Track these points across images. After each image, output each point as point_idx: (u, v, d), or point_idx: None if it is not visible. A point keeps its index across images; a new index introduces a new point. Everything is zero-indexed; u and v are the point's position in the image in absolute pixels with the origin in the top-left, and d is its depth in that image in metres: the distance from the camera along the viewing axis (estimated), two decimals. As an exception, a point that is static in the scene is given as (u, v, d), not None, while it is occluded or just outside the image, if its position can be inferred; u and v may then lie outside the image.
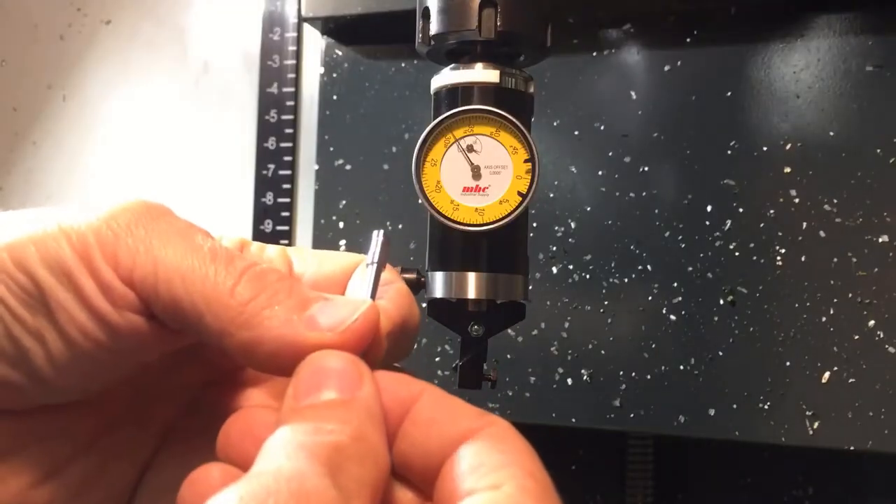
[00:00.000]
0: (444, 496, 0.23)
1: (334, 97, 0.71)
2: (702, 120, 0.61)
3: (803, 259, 0.58)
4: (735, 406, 0.58)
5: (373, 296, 0.29)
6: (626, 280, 0.62)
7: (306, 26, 0.78)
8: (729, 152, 0.60)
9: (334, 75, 0.72)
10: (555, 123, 0.64)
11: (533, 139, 0.38)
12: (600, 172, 0.63)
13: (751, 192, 0.59)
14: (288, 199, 0.78)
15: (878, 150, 0.57)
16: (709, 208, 0.60)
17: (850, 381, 0.56)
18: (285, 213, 0.78)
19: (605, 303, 0.62)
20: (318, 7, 0.68)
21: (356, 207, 0.69)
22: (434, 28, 0.40)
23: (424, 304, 0.38)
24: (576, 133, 0.64)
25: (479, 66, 0.39)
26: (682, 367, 0.59)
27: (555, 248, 0.63)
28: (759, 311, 0.58)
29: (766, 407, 0.57)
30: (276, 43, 0.79)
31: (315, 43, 0.77)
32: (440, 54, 0.41)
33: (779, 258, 0.58)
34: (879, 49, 0.57)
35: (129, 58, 0.86)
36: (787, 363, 0.57)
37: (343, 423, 0.23)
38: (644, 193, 0.62)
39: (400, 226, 0.68)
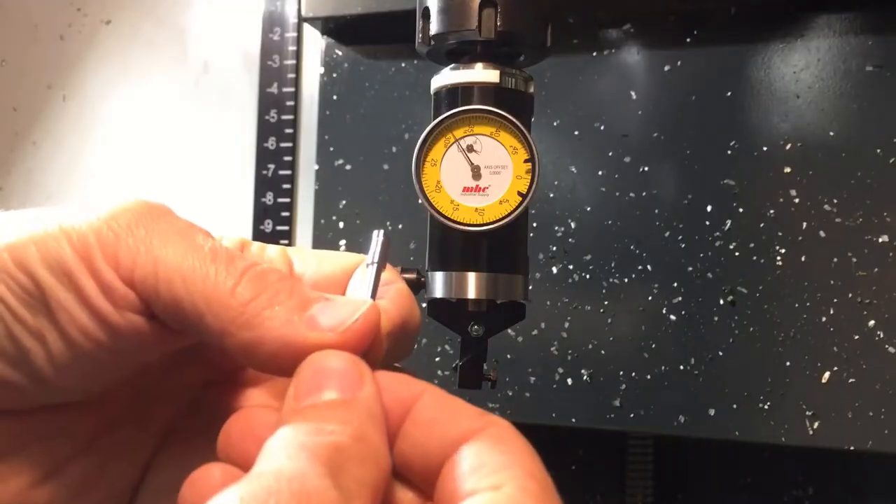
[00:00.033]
0: (444, 496, 0.23)
1: (334, 97, 0.71)
2: (702, 120, 0.61)
3: (803, 259, 0.58)
4: (735, 406, 0.58)
5: (373, 296, 0.29)
6: (626, 280, 0.62)
7: (306, 26, 0.78)
8: (729, 152, 0.60)
9: (334, 75, 0.72)
10: (555, 123, 0.64)
11: (533, 139, 0.38)
12: (600, 172, 0.63)
13: (751, 192, 0.59)
14: (288, 199, 0.78)
15: (878, 150, 0.57)
16: (709, 208, 0.60)
17: (850, 381, 0.56)
18: (285, 213, 0.78)
19: (605, 303, 0.62)
20: (318, 7, 0.68)
21: (356, 207, 0.69)
22: (434, 28, 0.40)
23: (424, 304, 0.38)
24: (576, 133, 0.64)
25: (479, 66, 0.39)
26: (682, 367, 0.59)
27: (555, 248, 0.63)
28: (759, 311, 0.58)
29: (766, 407, 0.57)
30: (276, 43, 0.79)
31: (315, 43, 0.77)
32: (440, 54, 0.41)
33: (779, 258, 0.58)
34: (879, 49, 0.57)
35: (129, 58, 0.86)
36: (787, 363, 0.57)
37: (344, 423, 0.23)
38: (644, 193, 0.62)
39: (400, 226, 0.68)
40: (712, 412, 0.58)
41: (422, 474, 0.24)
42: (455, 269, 0.39)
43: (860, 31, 0.58)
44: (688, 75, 0.61)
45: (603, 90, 0.63)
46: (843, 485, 0.68)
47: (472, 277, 0.39)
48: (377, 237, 0.31)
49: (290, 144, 0.78)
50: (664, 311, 0.60)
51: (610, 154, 0.63)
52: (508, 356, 0.63)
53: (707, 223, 0.60)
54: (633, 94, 0.63)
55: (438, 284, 0.39)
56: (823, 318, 0.57)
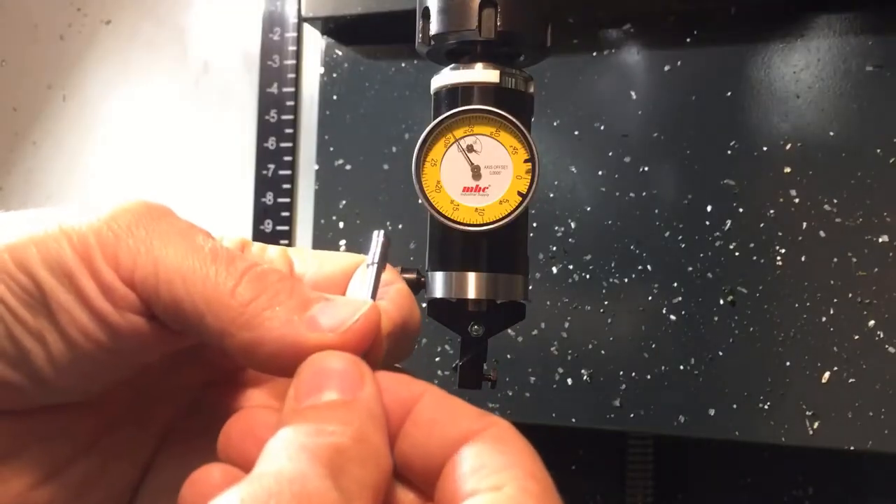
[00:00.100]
0: (445, 497, 0.23)
1: (334, 97, 0.71)
2: (702, 120, 0.61)
3: (803, 259, 0.58)
4: (735, 406, 0.58)
5: (373, 296, 0.29)
6: (626, 280, 0.62)
7: (306, 26, 0.78)
8: (729, 152, 0.60)
9: (334, 75, 0.72)
10: (555, 123, 0.64)
11: (533, 139, 0.38)
12: (600, 172, 0.63)
13: (751, 192, 0.59)
14: (288, 199, 0.78)
15: (878, 150, 0.57)
16: (709, 208, 0.60)
17: (850, 381, 0.56)
18: (285, 213, 0.78)
19: (605, 303, 0.62)
20: (318, 7, 0.68)
21: (356, 207, 0.69)
22: (434, 28, 0.40)
23: (424, 304, 0.38)
24: (576, 133, 0.64)
25: (479, 66, 0.39)
26: (682, 367, 0.59)
27: (555, 248, 0.63)
28: (759, 311, 0.58)
29: (766, 407, 0.57)
30: (276, 43, 0.79)
31: (315, 43, 0.77)
32: (440, 54, 0.41)
33: (779, 258, 0.58)
34: (879, 49, 0.57)
35: (129, 58, 0.86)
36: (787, 363, 0.57)
37: (344, 424, 0.23)
38: (644, 193, 0.62)
39: (400, 226, 0.68)
40: (712, 412, 0.58)
41: (422, 475, 0.24)
42: (455, 269, 0.39)
43: (860, 31, 0.58)
44: (688, 75, 0.61)
45: (603, 90, 0.63)
46: (843, 485, 0.68)
47: (472, 277, 0.39)
48: (377, 238, 0.31)
49: (290, 144, 0.78)
50: (664, 311, 0.60)
51: (610, 154, 0.63)
52: (508, 356, 0.63)
53: (707, 223, 0.60)
54: (633, 94, 0.63)
55: (438, 284, 0.39)
56: (823, 318, 0.57)
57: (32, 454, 0.28)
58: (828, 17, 0.59)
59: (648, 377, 0.60)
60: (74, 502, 0.29)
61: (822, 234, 0.57)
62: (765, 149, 0.59)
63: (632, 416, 0.60)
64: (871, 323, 0.56)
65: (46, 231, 0.26)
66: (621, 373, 0.61)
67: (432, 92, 0.41)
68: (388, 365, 0.28)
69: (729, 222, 0.59)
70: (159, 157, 0.84)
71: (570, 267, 0.63)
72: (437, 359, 0.65)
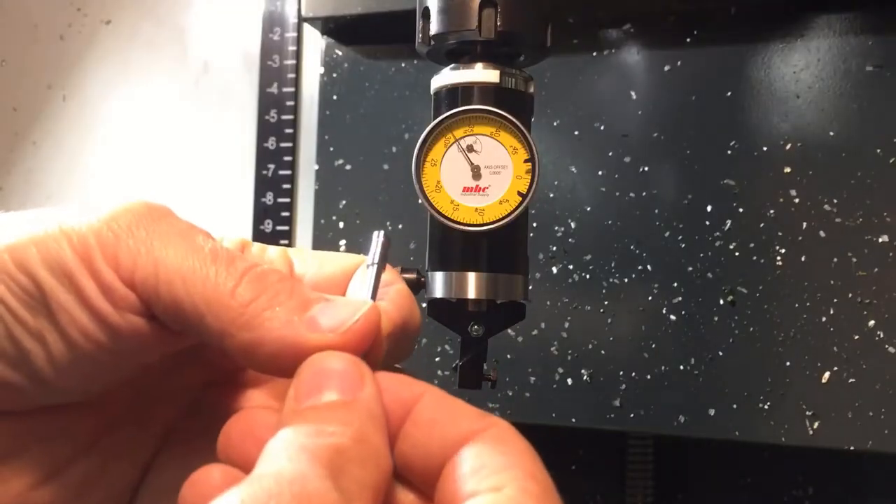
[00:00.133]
0: (445, 498, 0.23)
1: (334, 97, 0.71)
2: (702, 120, 0.61)
3: (803, 259, 0.58)
4: (735, 406, 0.58)
5: (373, 297, 0.29)
6: (626, 280, 0.62)
7: (306, 26, 0.78)
8: (729, 152, 0.60)
9: (334, 75, 0.72)
10: (555, 123, 0.64)
11: (533, 139, 0.38)
12: (600, 172, 0.63)
13: (751, 192, 0.59)
14: (288, 199, 0.78)
15: (878, 150, 0.57)
16: (709, 208, 0.60)
17: (850, 381, 0.56)
18: (285, 213, 0.78)
19: (605, 303, 0.62)
20: (318, 7, 0.68)
21: (356, 207, 0.69)
22: (434, 28, 0.40)
23: (424, 305, 0.38)
24: (576, 133, 0.64)
25: (479, 66, 0.39)
26: (682, 367, 0.59)
27: (555, 248, 0.63)
28: (759, 311, 0.58)
29: (766, 407, 0.57)
30: (276, 43, 0.79)
31: (315, 43, 0.77)
32: (440, 54, 0.41)
33: (779, 258, 0.58)
34: (879, 49, 0.57)
35: (129, 58, 0.86)
36: (787, 363, 0.57)
37: (344, 424, 0.23)
38: (644, 193, 0.62)
39: (400, 226, 0.68)
40: (712, 412, 0.58)
41: (422, 475, 0.24)
42: (455, 269, 0.39)
43: (860, 31, 0.58)
44: (688, 75, 0.61)
45: (603, 90, 0.63)
46: (843, 485, 0.68)
47: (472, 277, 0.39)
48: (377, 238, 0.31)
49: (290, 144, 0.78)
50: (664, 311, 0.60)
51: (610, 154, 0.63)
52: (508, 356, 0.63)
53: (707, 223, 0.60)
54: (633, 94, 0.63)
55: (438, 284, 0.39)
56: (823, 318, 0.57)
57: (32, 454, 0.28)
58: (828, 17, 0.59)
59: (648, 377, 0.60)
60: (74, 502, 0.29)
61: (822, 234, 0.57)
62: (765, 149, 0.59)
63: (632, 416, 0.60)
64: (871, 323, 0.56)
65: (46, 231, 0.26)
66: (621, 373, 0.61)
67: (432, 92, 0.41)
68: (388, 365, 0.28)
69: (729, 222, 0.59)
70: (159, 157, 0.84)
71: (570, 267, 0.63)
72: (437, 359, 0.65)
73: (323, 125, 0.72)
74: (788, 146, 0.59)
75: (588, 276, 0.62)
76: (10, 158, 0.90)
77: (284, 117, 0.79)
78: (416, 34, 0.41)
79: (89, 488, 0.29)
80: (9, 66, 0.91)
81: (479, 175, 0.39)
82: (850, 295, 0.56)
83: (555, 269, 0.63)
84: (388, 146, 0.69)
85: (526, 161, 0.38)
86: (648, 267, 0.61)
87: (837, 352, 0.56)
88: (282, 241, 0.78)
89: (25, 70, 0.90)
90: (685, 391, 0.59)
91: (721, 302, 0.59)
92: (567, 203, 0.63)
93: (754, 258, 0.59)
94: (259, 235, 0.78)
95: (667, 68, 0.62)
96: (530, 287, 0.42)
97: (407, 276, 0.38)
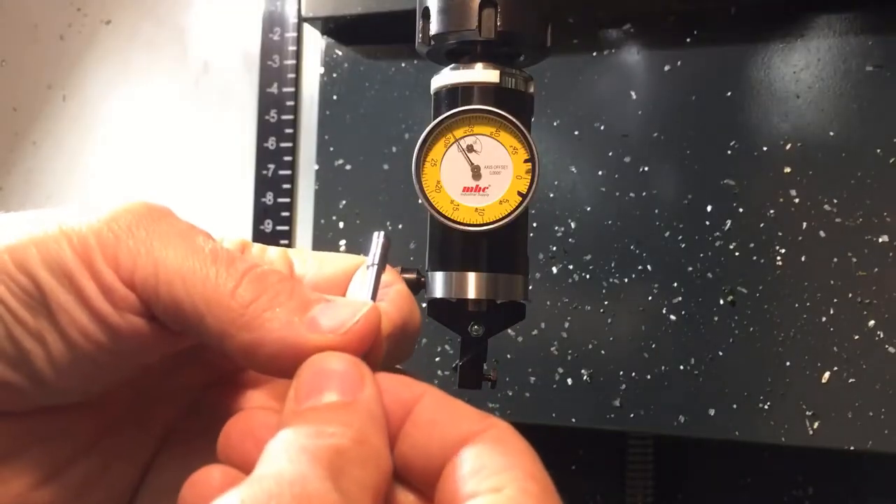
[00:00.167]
0: (445, 499, 0.23)
1: (334, 97, 0.71)
2: (702, 120, 0.61)
3: (803, 259, 0.58)
4: (735, 406, 0.58)
5: (373, 297, 0.29)
6: (626, 280, 0.62)
7: (306, 26, 0.78)
8: (729, 152, 0.60)
9: (334, 75, 0.72)
10: (555, 123, 0.64)
11: (533, 139, 0.38)
12: (600, 172, 0.63)
13: (751, 192, 0.59)
14: (288, 199, 0.78)
15: (878, 150, 0.57)
16: (709, 208, 0.60)
17: (850, 381, 0.56)
18: (285, 213, 0.78)
19: (605, 303, 0.62)
20: (318, 7, 0.68)
21: (356, 207, 0.69)
22: (434, 28, 0.40)
23: (424, 305, 0.38)
24: (576, 133, 0.64)
25: (479, 66, 0.39)
26: (682, 367, 0.59)
27: (555, 248, 0.63)
28: (759, 311, 0.58)
29: (766, 407, 0.57)
30: (276, 43, 0.79)
31: (315, 43, 0.77)
32: (440, 54, 0.41)
33: (779, 258, 0.58)
34: (879, 49, 0.57)
35: (129, 58, 0.86)
36: (787, 363, 0.57)
37: (345, 425, 0.23)
38: (644, 193, 0.62)
39: (400, 226, 0.68)
40: (712, 412, 0.58)
41: (422, 476, 0.24)
42: (455, 269, 0.39)
43: (860, 31, 0.58)
44: (688, 75, 0.61)
45: (603, 90, 0.63)
46: (843, 485, 0.68)
47: (472, 277, 0.39)
48: (377, 239, 0.31)
49: (290, 144, 0.78)
50: (664, 311, 0.60)
51: (610, 154, 0.63)
52: (508, 356, 0.63)
53: (707, 223, 0.60)
54: (633, 94, 0.63)
55: (438, 284, 0.39)
56: (823, 318, 0.57)
57: (33, 455, 0.28)
58: (828, 17, 0.59)
59: (648, 377, 0.60)
60: (75, 503, 0.29)
61: (822, 234, 0.57)
62: (765, 149, 0.59)
63: (632, 416, 0.60)
64: (871, 323, 0.56)
65: (46, 232, 0.26)
66: (621, 373, 0.61)
67: (432, 92, 0.41)
68: (388, 366, 0.28)
69: (729, 222, 0.59)
70: (159, 157, 0.84)
71: (570, 267, 0.63)
72: (437, 359, 0.65)
73: (323, 125, 0.72)
74: (788, 146, 0.59)
75: (588, 276, 0.62)
76: (10, 158, 0.90)
77: (284, 117, 0.79)
78: (416, 34, 0.41)
79: (89, 489, 0.29)
80: (9, 66, 0.91)
81: (479, 175, 0.39)
82: (850, 295, 0.56)
83: (555, 269, 0.63)
84: (388, 146, 0.69)
85: (526, 161, 0.38)
86: (648, 267, 0.61)
87: (837, 352, 0.56)
88: (282, 242, 0.78)
89: (25, 70, 0.90)
90: (685, 391, 0.59)
91: (721, 302, 0.59)
92: (567, 203, 0.63)
93: (754, 258, 0.59)
94: (259, 235, 0.78)
95: (667, 68, 0.62)
96: (530, 287, 0.42)
97: (407, 276, 0.38)
